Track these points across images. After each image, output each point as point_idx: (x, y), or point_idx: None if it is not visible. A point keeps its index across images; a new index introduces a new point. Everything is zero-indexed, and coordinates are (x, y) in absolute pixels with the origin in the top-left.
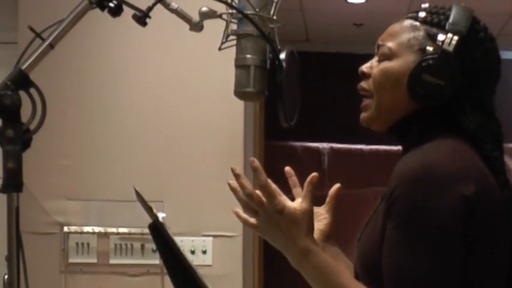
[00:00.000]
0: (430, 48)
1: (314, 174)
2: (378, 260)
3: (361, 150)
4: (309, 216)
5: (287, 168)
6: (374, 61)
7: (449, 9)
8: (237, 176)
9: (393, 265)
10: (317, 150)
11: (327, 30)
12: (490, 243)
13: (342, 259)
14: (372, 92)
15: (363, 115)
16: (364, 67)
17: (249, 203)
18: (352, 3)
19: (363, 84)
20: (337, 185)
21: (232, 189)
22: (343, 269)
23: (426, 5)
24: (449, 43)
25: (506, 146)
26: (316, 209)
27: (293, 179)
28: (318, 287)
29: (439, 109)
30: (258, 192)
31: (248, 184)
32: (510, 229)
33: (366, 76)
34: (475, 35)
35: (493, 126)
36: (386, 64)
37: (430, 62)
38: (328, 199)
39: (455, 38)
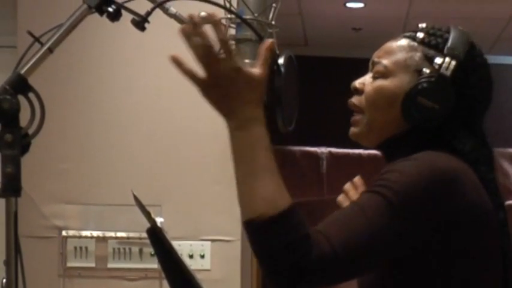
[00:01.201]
0: (426, 71)
1: (271, 40)
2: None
3: (359, 154)
4: (264, 83)
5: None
6: (368, 77)
7: (448, 32)
8: (196, 25)
9: (342, 215)
10: (315, 155)
11: (325, 34)
12: (475, 256)
13: None
14: (363, 109)
15: (353, 130)
16: (357, 83)
17: (204, 55)
18: (351, 8)
19: (354, 100)
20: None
21: (187, 34)
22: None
23: (423, 25)
24: (447, 67)
25: (506, 151)
26: None
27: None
28: (243, 163)
29: (430, 130)
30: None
31: (207, 34)
32: (502, 249)
33: (358, 92)
34: (471, 61)
35: (485, 150)
36: (380, 82)
37: (426, 85)
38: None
39: (453, 62)
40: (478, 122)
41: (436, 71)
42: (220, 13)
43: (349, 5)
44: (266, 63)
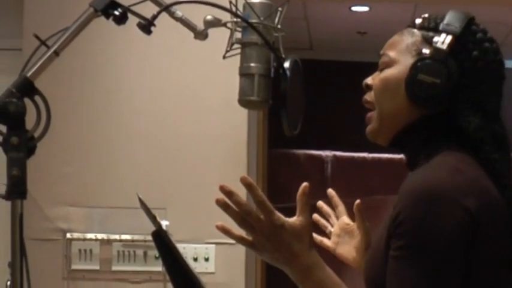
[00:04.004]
0: (426, 51)
1: (304, 184)
2: (380, 280)
3: (364, 158)
4: (309, 229)
5: (319, 203)
6: (376, 73)
7: (446, 15)
8: (229, 194)
9: (397, 284)
10: (320, 158)
11: (330, 38)
12: (492, 261)
13: None
14: (374, 103)
15: (367, 128)
16: (368, 79)
17: (244, 220)
18: (356, 12)
19: (366, 96)
20: (357, 202)
21: (224, 206)
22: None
23: (425, 15)
24: (443, 42)
25: None
26: (350, 227)
27: (325, 210)
28: None
29: (440, 116)
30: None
31: (243, 200)
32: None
33: (369, 88)
34: (471, 35)
35: (495, 127)
36: (386, 72)
37: (425, 61)
38: (355, 214)
39: (449, 36)
40: (489, 98)
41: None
42: (226, 17)
43: (354, 8)
44: (306, 209)
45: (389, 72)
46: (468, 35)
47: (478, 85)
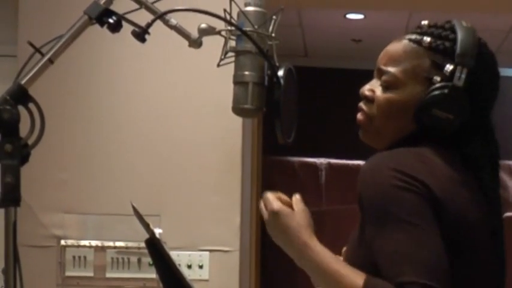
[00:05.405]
0: (437, 78)
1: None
2: (360, 263)
3: (358, 165)
4: (305, 213)
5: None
6: (374, 82)
7: (453, 31)
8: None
9: (384, 255)
10: (315, 166)
11: (325, 45)
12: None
13: None
14: (372, 117)
15: (362, 134)
16: (366, 90)
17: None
18: (350, 19)
19: (364, 107)
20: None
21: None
22: (339, 258)
23: (425, 23)
24: (459, 77)
25: (505, 163)
26: None
27: None
28: (319, 278)
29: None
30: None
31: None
32: (496, 257)
33: (368, 100)
34: (482, 63)
35: (492, 149)
36: (392, 93)
37: (440, 97)
38: None
39: (465, 71)
40: (488, 117)
41: (447, 78)
42: (220, 25)
43: (349, 16)
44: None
45: (395, 95)
46: (479, 65)
47: (483, 110)
